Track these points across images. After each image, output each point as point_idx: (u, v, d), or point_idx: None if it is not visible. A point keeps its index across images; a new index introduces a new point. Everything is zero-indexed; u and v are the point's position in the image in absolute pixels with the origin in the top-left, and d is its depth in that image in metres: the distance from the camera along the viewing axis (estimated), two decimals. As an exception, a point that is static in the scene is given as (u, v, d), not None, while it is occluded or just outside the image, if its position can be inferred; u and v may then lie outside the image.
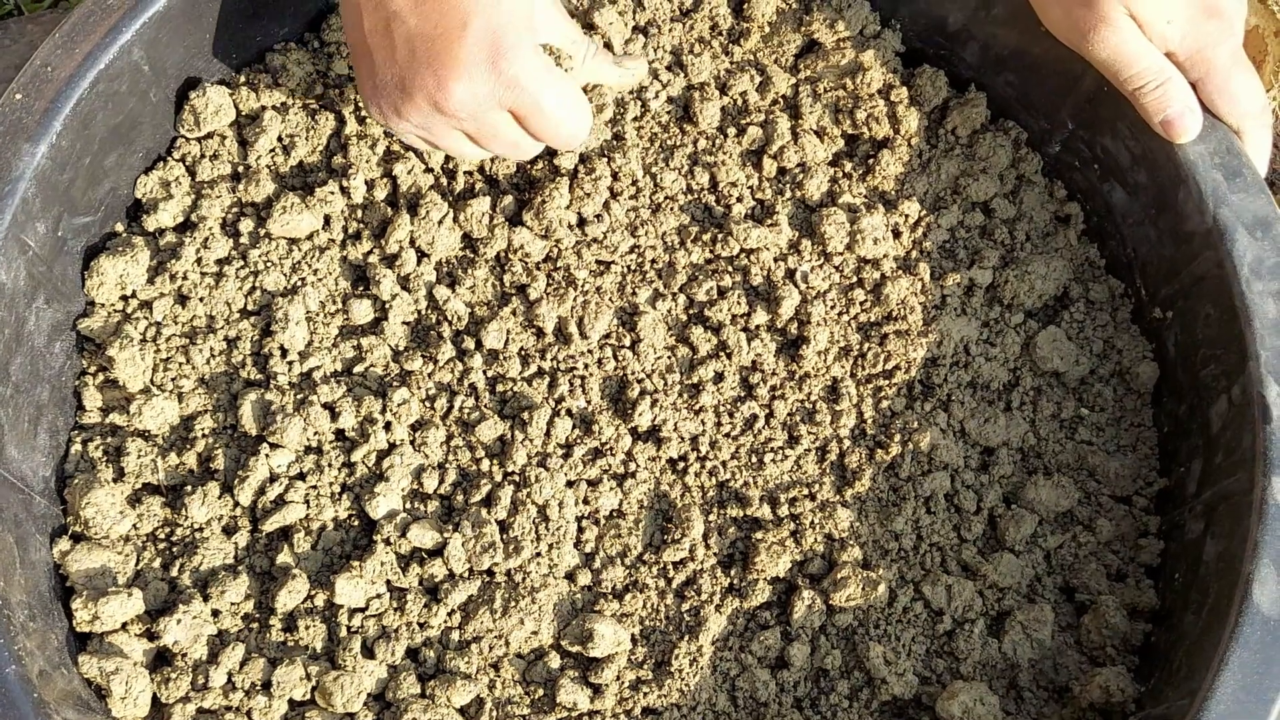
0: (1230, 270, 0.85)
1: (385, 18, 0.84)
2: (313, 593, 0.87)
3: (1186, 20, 0.86)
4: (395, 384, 0.92)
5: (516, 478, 0.90)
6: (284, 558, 0.88)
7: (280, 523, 0.88)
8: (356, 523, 0.89)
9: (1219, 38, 0.86)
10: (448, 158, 0.98)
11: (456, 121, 0.86)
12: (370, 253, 0.96)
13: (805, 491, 0.91)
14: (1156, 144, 0.90)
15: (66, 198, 0.89)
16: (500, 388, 0.92)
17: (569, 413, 0.92)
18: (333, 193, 0.96)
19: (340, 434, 0.91)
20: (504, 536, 0.88)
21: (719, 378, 0.94)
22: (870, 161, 1.00)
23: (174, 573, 0.87)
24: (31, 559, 0.83)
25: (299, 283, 0.94)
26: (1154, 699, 0.82)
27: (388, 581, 0.87)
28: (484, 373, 0.93)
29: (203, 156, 0.97)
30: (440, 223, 0.95)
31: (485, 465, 0.90)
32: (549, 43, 0.88)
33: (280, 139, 0.99)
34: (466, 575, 0.87)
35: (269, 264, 0.94)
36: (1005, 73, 1.01)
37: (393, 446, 0.90)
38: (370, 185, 0.98)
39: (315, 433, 0.90)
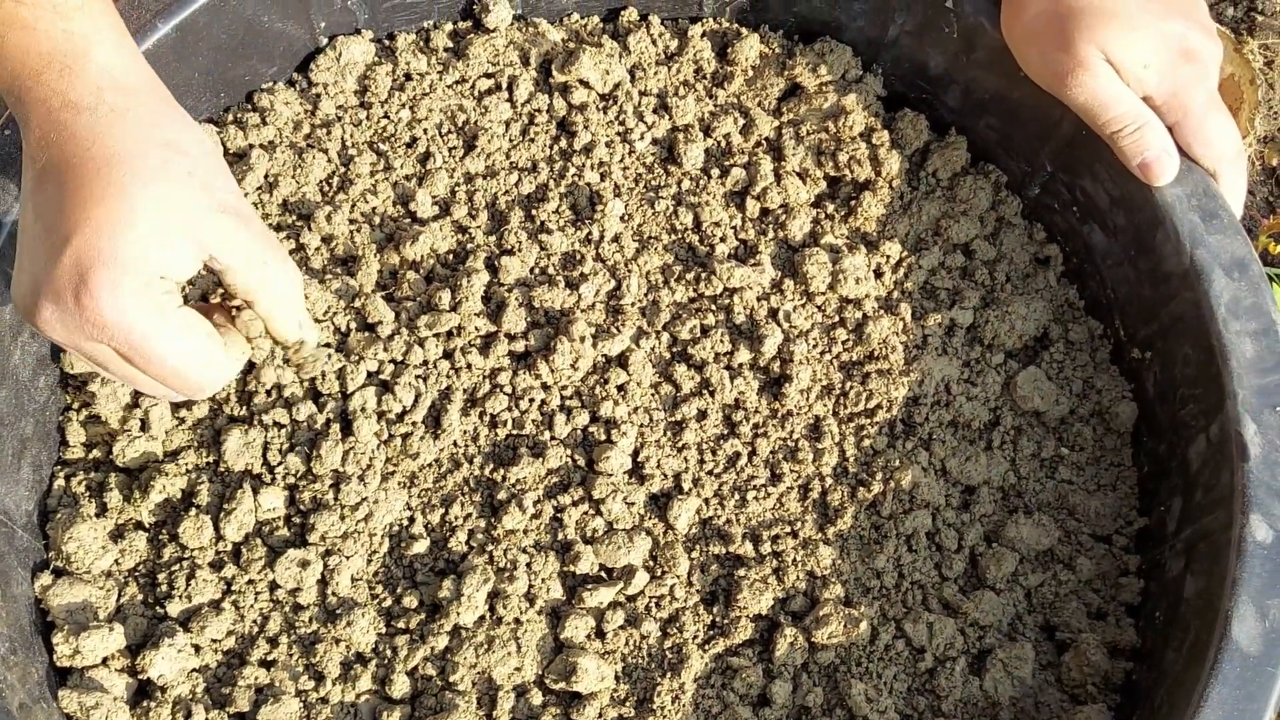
0: (1208, 310, 0.86)
1: (23, 199, 0.75)
2: (299, 627, 0.87)
3: (1162, 64, 0.87)
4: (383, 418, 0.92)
5: (504, 513, 0.90)
6: (267, 599, 0.88)
7: (266, 561, 0.88)
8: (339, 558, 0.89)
9: (1195, 81, 0.88)
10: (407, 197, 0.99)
11: (56, 340, 0.75)
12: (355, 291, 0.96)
13: (787, 529, 0.91)
14: (1134, 186, 0.91)
15: (54, 232, 0.89)
16: (488, 430, 0.93)
17: (555, 447, 0.92)
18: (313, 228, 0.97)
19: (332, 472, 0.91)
20: (489, 572, 0.88)
21: (702, 415, 0.94)
22: (852, 203, 1.01)
23: (156, 608, 0.87)
24: (13, 593, 0.83)
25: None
26: (1135, 736, 0.82)
27: (375, 610, 0.88)
28: (473, 409, 0.93)
29: (190, 194, 0.98)
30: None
31: (473, 502, 0.91)
32: (226, 276, 0.78)
33: (267, 177, 0.99)
34: (457, 611, 0.87)
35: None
36: (986, 116, 1.02)
37: (383, 479, 0.91)
38: (353, 224, 0.99)
39: (302, 471, 0.90)
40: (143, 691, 0.86)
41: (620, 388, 0.94)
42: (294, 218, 0.99)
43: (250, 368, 0.92)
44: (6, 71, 0.74)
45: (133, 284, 0.72)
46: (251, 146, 1.00)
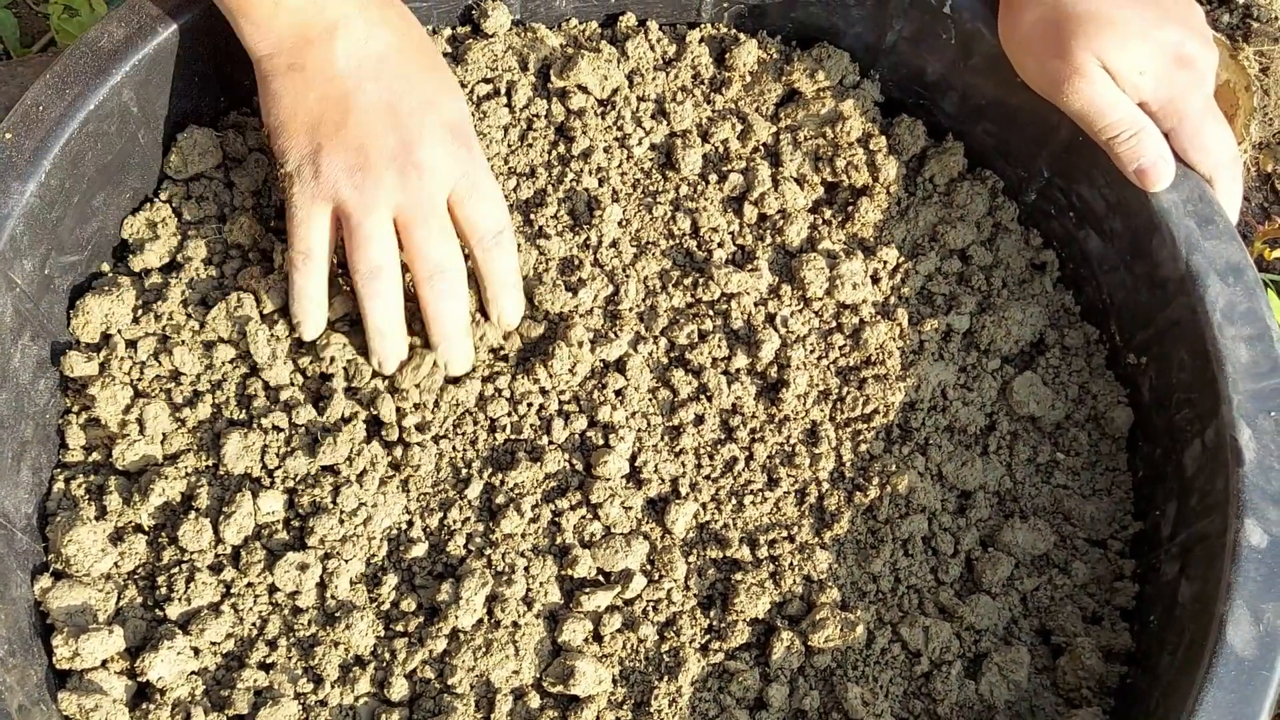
0: (1203, 315, 0.87)
1: (343, 91, 0.88)
2: (298, 629, 0.88)
3: (1158, 71, 0.88)
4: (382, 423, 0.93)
5: (502, 517, 0.90)
6: (266, 602, 0.88)
7: (266, 565, 0.88)
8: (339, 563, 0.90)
9: (1190, 88, 0.88)
10: None
11: (402, 192, 0.89)
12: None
13: (784, 533, 0.92)
14: (1131, 192, 0.92)
15: (54, 236, 0.90)
16: (487, 435, 0.93)
17: (553, 451, 0.93)
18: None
19: (330, 469, 0.92)
20: (487, 575, 0.88)
21: (699, 420, 0.95)
22: (849, 209, 1.02)
23: (155, 610, 0.88)
24: (12, 595, 0.83)
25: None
26: (1130, 740, 0.83)
27: (374, 613, 0.88)
28: (472, 413, 0.94)
29: (189, 198, 0.98)
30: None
31: (471, 506, 0.91)
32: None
33: (265, 181, 1.00)
34: (455, 614, 0.87)
35: (252, 305, 0.95)
36: (983, 122, 1.03)
37: (381, 483, 0.91)
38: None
39: (302, 474, 0.91)
40: (142, 694, 0.86)
41: (618, 393, 0.95)
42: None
43: (253, 370, 0.93)
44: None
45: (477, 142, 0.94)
46: (251, 150, 1.00)
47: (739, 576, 0.90)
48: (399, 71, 0.90)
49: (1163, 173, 0.89)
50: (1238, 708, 0.75)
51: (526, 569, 0.89)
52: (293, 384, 0.93)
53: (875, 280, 0.99)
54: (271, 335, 0.93)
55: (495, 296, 0.94)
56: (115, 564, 0.88)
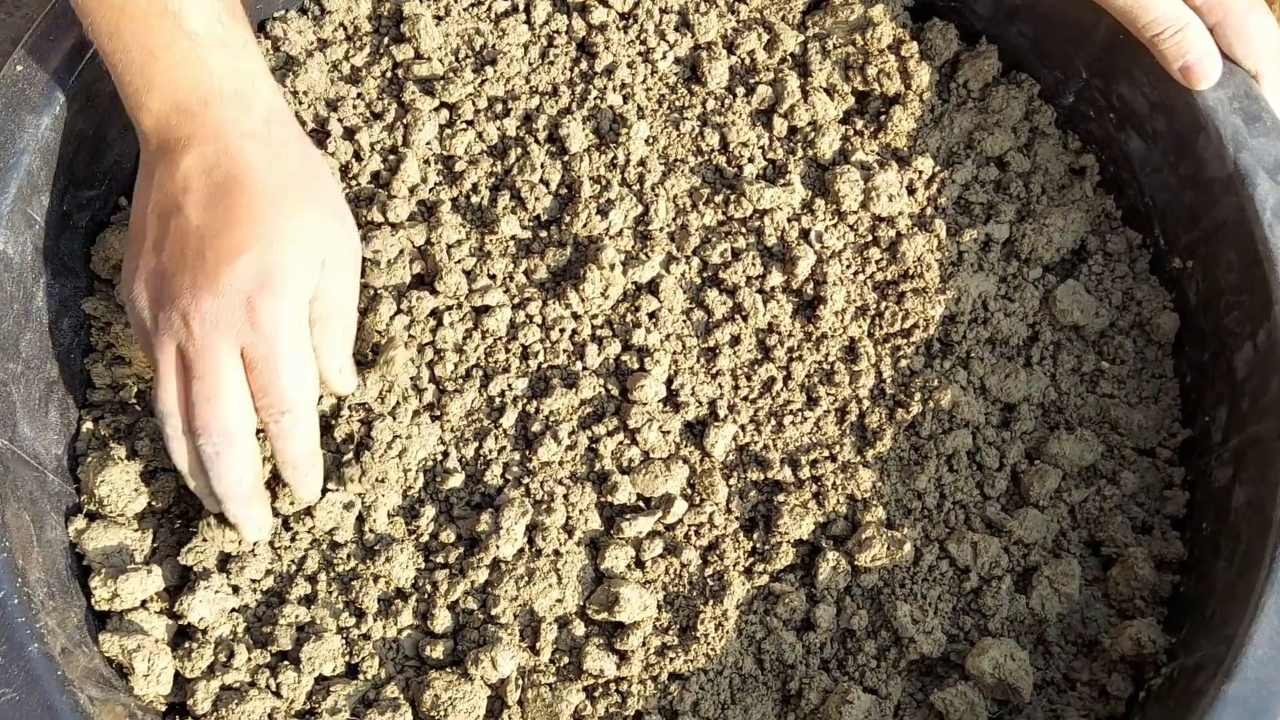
0: (1252, 214, 0.85)
1: (169, 208, 0.80)
2: (337, 563, 0.87)
3: (1202, -37, 0.86)
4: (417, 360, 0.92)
5: (539, 445, 0.89)
6: (304, 539, 0.88)
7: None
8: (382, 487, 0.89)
9: (1235, -20, 0.86)
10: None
11: (186, 335, 0.79)
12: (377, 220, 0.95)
13: (826, 453, 0.90)
14: (1174, 91, 0.90)
15: (70, 170, 0.88)
16: (521, 358, 0.92)
17: (588, 377, 0.91)
18: (332, 153, 0.97)
19: (361, 406, 0.90)
20: (526, 504, 0.87)
21: (735, 340, 0.93)
22: (882, 118, 0.99)
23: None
24: (48, 537, 0.82)
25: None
26: (1187, 649, 0.81)
27: (414, 546, 0.87)
28: (503, 341, 0.92)
29: (206, 129, 0.96)
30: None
31: (507, 435, 0.90)
32: (317, 304, 0.83)
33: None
34: (495, 544, 0.86)
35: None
36: (1017, 23, 1.00)
37: (414, 416, 0.90)
38: (376, 149, 0.97)
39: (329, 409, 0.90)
40: (183, 633, 0.85)
41: (652, 315, 0.93)
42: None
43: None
44: (169, 99, 0.82)
45: (295, 302, 0.80)
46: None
47: (781, 498, 0.89)
48: (222, 212, 0.80)
49: (1209, 69, 0.87)
50: (1301, 611, 0.74)
51: (566, 496, 0.88)
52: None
53: (911, 191, 0.97)
54: None
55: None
56: (149, 504, 0.88)
